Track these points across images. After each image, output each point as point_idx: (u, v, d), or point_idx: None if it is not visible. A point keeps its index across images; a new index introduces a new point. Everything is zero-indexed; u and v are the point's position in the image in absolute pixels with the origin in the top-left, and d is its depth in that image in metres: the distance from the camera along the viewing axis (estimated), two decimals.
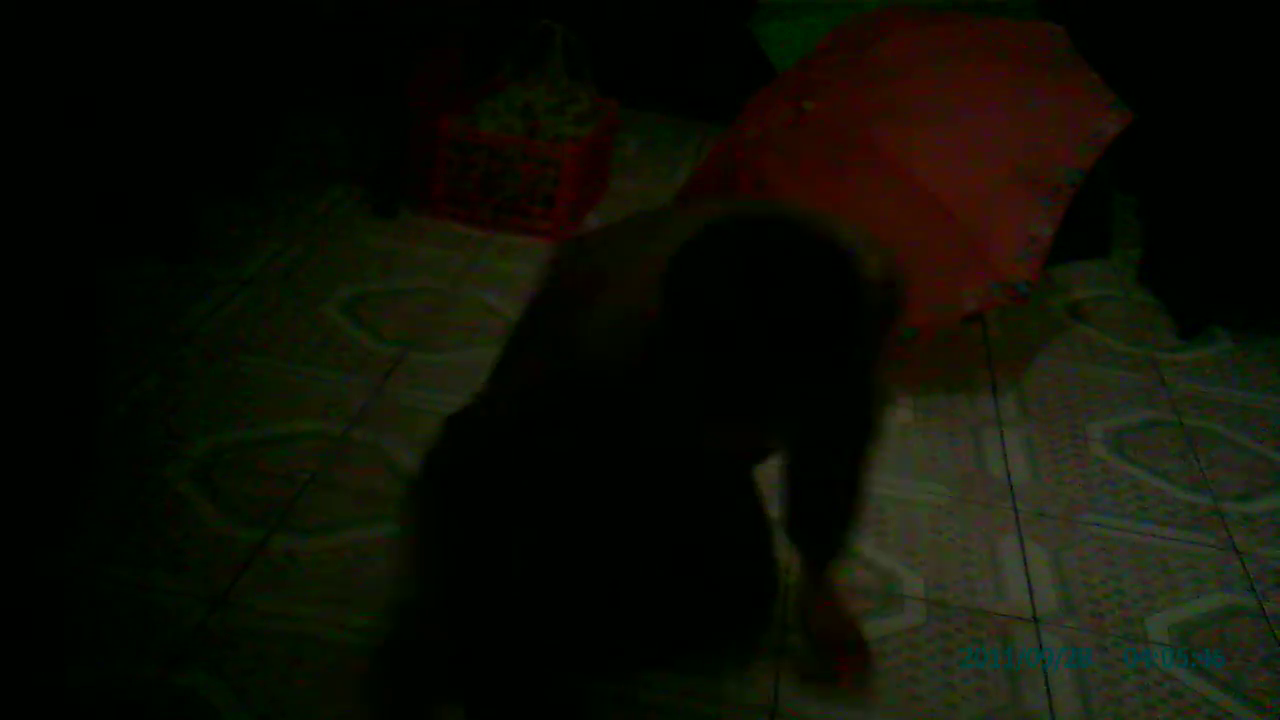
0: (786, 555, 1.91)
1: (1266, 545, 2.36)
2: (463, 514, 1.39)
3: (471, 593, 1.43)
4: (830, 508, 1.73)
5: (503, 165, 3.17)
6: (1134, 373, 2.95)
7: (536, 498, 1.47)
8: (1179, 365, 3.01)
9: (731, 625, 1.85)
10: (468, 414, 1.40)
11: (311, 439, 2.26)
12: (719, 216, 1.13)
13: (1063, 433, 2.65)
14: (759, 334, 1.04)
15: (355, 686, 1.55)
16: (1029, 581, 2.16)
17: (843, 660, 1.81)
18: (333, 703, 1.68)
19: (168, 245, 2.81)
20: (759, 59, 3.36)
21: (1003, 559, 2.22)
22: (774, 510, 1.83)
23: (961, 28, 2.72)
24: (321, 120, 3.61)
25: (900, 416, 2.61)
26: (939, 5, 2.96)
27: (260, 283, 2.79)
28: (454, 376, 2.52)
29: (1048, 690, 1.92)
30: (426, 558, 1.42)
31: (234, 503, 2.06)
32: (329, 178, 3.36)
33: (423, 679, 1.45)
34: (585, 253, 1.43)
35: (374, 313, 2.73)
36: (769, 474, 1.80)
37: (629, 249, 1.32)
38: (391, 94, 3.14)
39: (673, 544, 1.72)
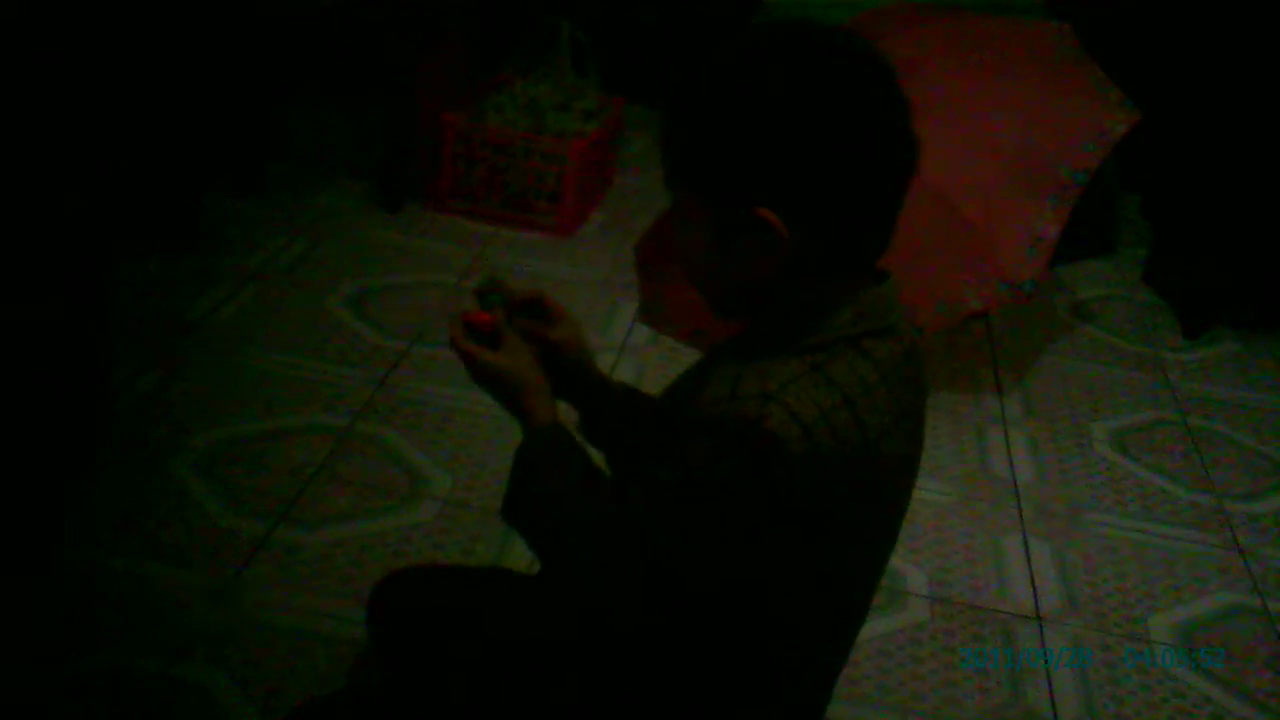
0: None
1: (1270, 545, 2.36)
2: None
3: None
4: None
5: (508, 160, 3.17)
6: (1139, 372, 2.94)
7: None
8: (1184, 365, 3.01)
9: None
10: None
11: (316, 432, 2.26)
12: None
13: (1067, 432, 2.65)
14: None
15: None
16: (1032, 580, 2.16)
17: None
18: None
19: (173, 239, 2.82)
20: None
21: (1006, 557, 2.22)
22: None
23: (969, 26, 2.72)
24: (327, 115, 3.61)
25: None
26: (947, 2, 2.96)
27: (265, 277, 2.79)
28: (459, 371, 2.51)
29: (1050, 689, 1.92)
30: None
31: (238, 495, 2.06)
32: (334, 172, 3.36)
33: None
34: None
35: (379, 307, 2.73)
36: None
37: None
38: (397, 89, 3.14)
39: None
